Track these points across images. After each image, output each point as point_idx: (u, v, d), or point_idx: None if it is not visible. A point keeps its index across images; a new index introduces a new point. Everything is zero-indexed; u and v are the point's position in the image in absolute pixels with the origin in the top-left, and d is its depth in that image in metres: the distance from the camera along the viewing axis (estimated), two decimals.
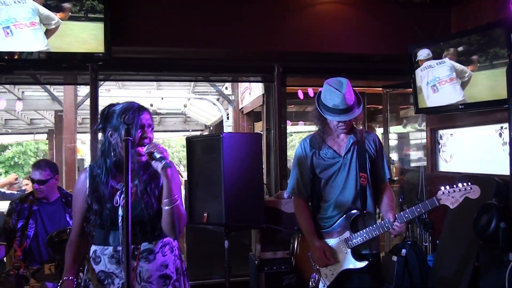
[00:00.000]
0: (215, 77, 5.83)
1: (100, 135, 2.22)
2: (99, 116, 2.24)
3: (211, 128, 11.69)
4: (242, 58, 4.64)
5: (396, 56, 4.57)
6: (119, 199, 2.16)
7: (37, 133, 12.42)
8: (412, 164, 6.62)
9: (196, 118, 11.59)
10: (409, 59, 4.32)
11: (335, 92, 2.62)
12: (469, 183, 2.46)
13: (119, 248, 2.14)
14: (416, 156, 6.51)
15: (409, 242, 4.15)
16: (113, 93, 7.93)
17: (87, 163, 14.38)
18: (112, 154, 2.16)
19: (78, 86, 6.48)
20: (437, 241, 4.44)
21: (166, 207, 2.11)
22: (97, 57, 3.76)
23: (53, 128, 10.34)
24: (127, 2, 4.20)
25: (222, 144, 3.40)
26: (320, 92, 2.78)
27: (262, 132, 5.44)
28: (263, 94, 5.44)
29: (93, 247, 2.23)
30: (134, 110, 2.16)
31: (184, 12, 4.33)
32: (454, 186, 2.49)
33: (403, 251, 4.08)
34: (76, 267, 2.28)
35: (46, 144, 17.02)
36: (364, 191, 2.72)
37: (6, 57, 3.76)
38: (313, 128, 9.39)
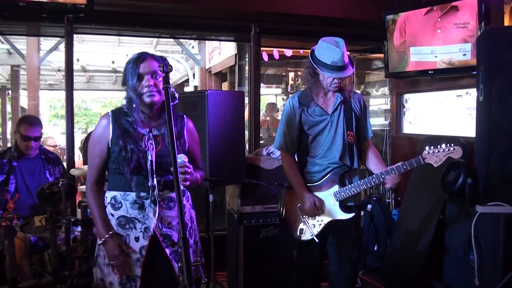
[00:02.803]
0: (187, 35, 5.74)
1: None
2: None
3: None
4: (215, 16, 4.61)
5: (369, 22, 4.73)
6: (147, 143, 2.21)
7: None
8: (374, 128, 6.91)
9: None
10: (382, 25, 4.49)
11: (335, 49, 2.72)
12: (452, 144, 2.63)
13: (143, 194, 2.21)
14: (377, 120, 6.80)
15: (374, 198, 4.43)
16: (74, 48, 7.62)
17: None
18: (128, 104, 2.23)
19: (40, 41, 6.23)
20: (399, 198, 4.77)
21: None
22: (79, 8, 3.67)
23: (6, 84, 9.88)
24: None
25: (207, 102, 3.47)
26: (313, 50, 2.86)
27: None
28: (235, 54, 5.47)
29: (111, 193, 2.26)
30: (132, 63, 2.20)
31: None
32: (438, 146, 2.63)
33: (369, 206, 4.34)
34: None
35: None
36: (351, 149, 2.88)
37: None
38: (272, 90, 9.46)
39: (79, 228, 3.16)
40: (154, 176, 2.20)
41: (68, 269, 2.94)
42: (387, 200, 4.88)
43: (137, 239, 2.22)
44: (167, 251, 2.24)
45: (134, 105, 2.20)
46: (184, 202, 2.35)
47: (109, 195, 2.27)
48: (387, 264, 4.09)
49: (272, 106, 9.09)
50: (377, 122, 6.70)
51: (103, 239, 2.19)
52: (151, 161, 2.19)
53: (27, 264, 3.22)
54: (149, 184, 2.19)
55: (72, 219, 2.95)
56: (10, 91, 8.95)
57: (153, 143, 2.23)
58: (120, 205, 2.23)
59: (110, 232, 2.19)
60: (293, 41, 5.52)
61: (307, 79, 2.89)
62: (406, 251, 3.93)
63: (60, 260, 3.03)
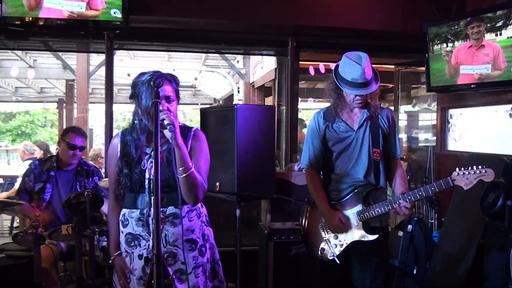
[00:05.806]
0: (227, 49, 5.80)
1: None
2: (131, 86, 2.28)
3: (221, 102, 11.71)
4: (255, 31, 4.61)
5: (410, 34, 4.56)
6: (147, 163, 2.22)
7: (47, 101, 12.48)
8: (421, 144, 6.64)
9: (206, 91, 11.60)
10: (423, 37, 4.32)
11: (355, 65, 2.64)
12: (484, 166, 2.46)
13: (145, 211, 2.21)
14: (425, 135, 6.53)
15: (415, 218, 4.20)
16: (125, 63, 7.94)
17: (97, 133, 14.53)
18: (137, 122, 2.24)
19: (90, 55, 6.50)
20: (443, 219, 4.51)
21: (181, 176, 2.11)
22: (114, 25, 3.79)
23: (63, 97, 10.42)
24: None
25: (236, 115, 3.45)
26: (338, 65, 2.79)
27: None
28: (275, 69, 5.46)
29: (123, 210, 2.31)
30: (148, 84, 2.16)
31: None
32: (469, 168, 2.48)
33: (409, 227, 4.13)
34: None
35: (54, 113, 17.14)
36: (377, 166, 2.76)
37: (18, 22, 3.75)
38: (323, 105, 9.44)
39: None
40: (151, 194, 2.18)
41: (91, 277, 2.98)
42: (430, 220, 4.64)
43: (140, 256, 2.23)
44: (170, 270, 2.22)
45: (143, 127, 2.22)
46: (194, 218, 2.32)
47: (122, 212, 2.33)
48: None
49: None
50: (424, 136, 6.45)
51: (112, 257, 2.30)
52: (149, 179, 2.19)
53: (55, 270, 3.30)
54: (147, 201, 2.20)
55: (97, 230, 3.00)
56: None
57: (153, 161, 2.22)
58: (127, 222, 2.27)
59: (116, 253, 2.29)
60: (334, 55, 5.42)
61: (330, 94, 2.82)
62: (445, 275, 3.70)
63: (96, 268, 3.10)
